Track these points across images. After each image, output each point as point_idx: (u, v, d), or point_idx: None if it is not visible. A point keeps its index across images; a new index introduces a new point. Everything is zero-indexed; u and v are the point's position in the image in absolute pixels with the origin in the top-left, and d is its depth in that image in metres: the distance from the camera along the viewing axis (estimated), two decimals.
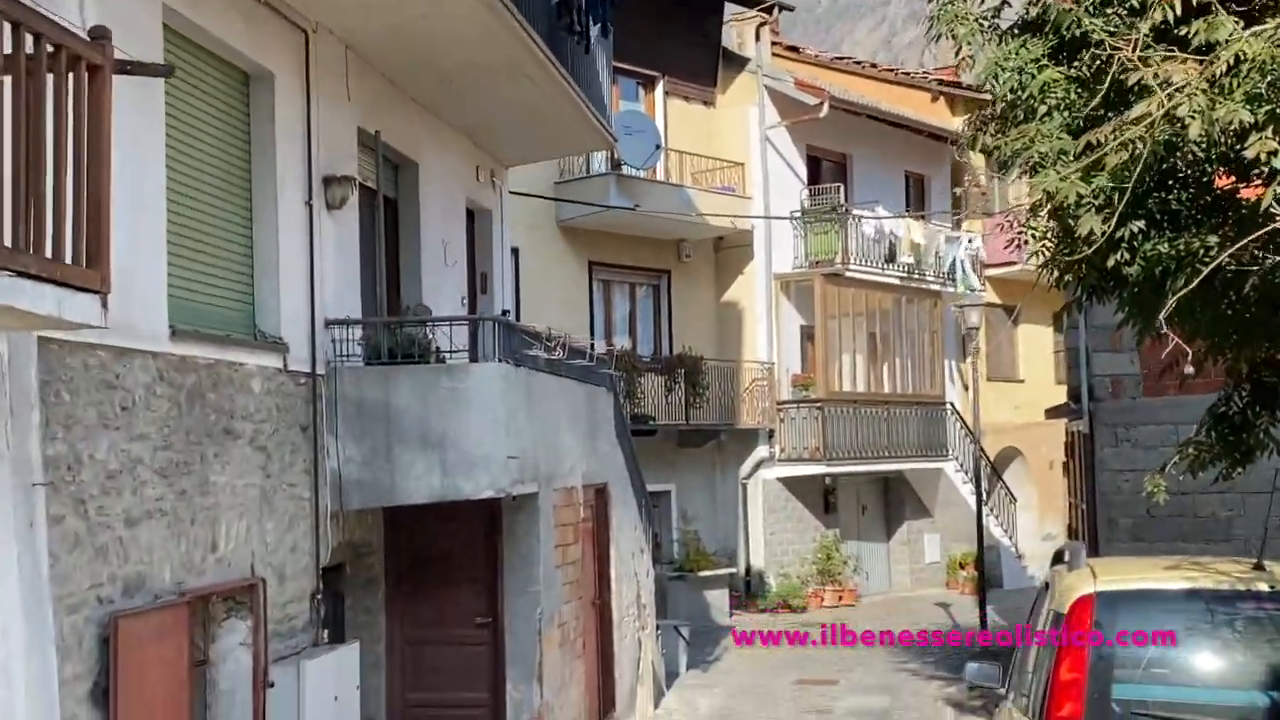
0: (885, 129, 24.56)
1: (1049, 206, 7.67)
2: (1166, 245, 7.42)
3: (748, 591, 21.82)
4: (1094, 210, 7.33)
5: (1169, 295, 7.51)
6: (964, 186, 25.70)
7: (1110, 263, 7.49)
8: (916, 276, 24.00)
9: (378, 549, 9.65)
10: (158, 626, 6.58)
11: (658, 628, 14.57)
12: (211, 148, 7.77)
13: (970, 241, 25.15)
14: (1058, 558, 6.28)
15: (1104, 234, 7.29)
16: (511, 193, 13.96)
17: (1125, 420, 13.44)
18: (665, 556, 21.02)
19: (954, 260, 24.52)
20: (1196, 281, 7.15)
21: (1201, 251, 7.08)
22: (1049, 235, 8.48)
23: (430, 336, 8.87)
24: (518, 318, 13.99)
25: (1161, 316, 7.60)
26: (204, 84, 7.73)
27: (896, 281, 23.70)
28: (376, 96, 9.83)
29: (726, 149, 22.40)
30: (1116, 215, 6.96)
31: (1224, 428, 8.26)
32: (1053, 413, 16.80)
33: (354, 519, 9.09)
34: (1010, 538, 26.45)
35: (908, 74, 28.55)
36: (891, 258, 23.48)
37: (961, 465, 25.07)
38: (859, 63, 28.31)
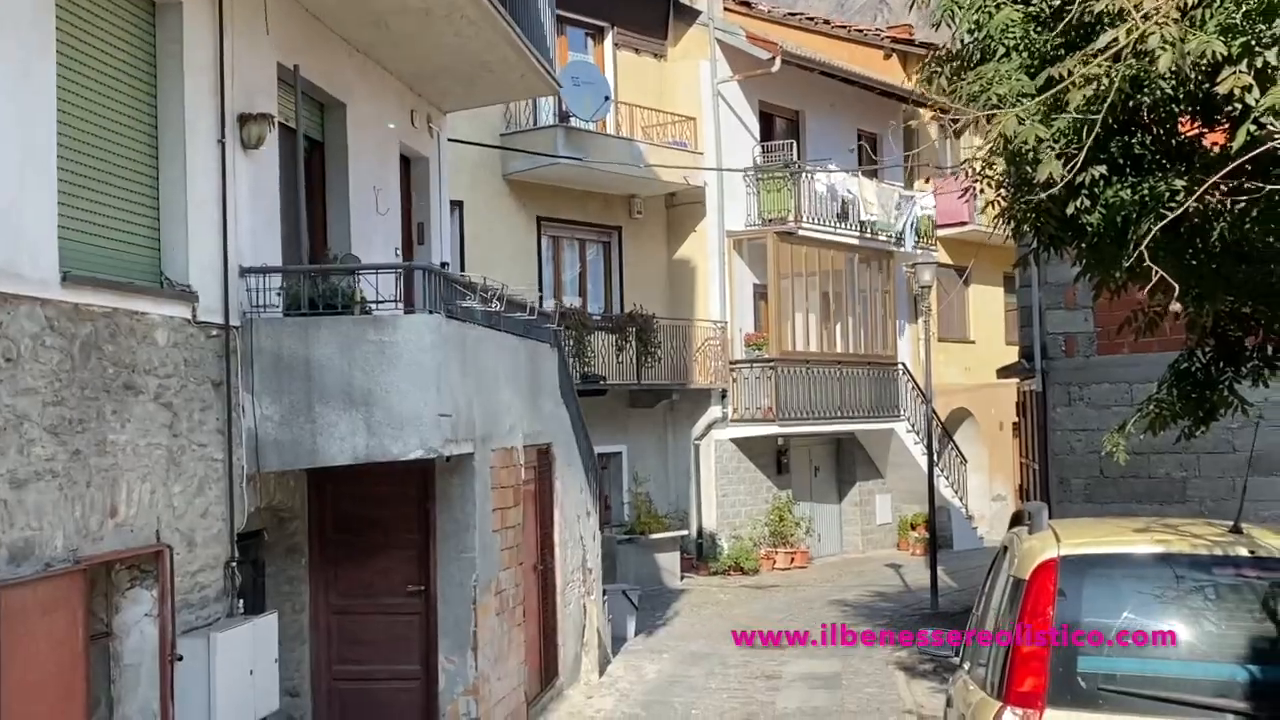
0: (838, 86, 24.11)
1: (1006, 151, 7.25)
2: (1129, 191, 7.04)
3: (699, 554, 21.52)
4: (1054, 154, 6.93)
5: (1130, 245, 7.14)
6: (905, 122, 25.19)
7: (1070, 210, 7.09)
8: (869, 236, 23.64)
9: (300, 514, 9.13)
10: (48, 597, 6.05)
11: (605, 593, 14.18)
12: (112, 80, 7.17)
13: (917, 200, 24.75)
14: (1016, 519, 5.87)
15: (1064, 179, 6.90)
16: (451, 140, 13.37)
17: (1078, 379, 13.14)
18: (615, 519, 20.69)
19: (906, 219, 24.16)
20: (1160, 227, 6.79)
21: (1167, 196, 6.68)
22: (1004, 184, 8.07)
23: (355, 286, 8.33)
24: (462, 273, 13.48)
25: (1125, 265, 7.26)
26: (103, 10, 7.12)
27: (849, 241, 23.33)
28: (299, 31, 9.23)
29: (678, 103, 21.87)
30: (1081, 157, 6.56)
31: (1186, 385, 7.91)
32: (1004, 372, 16.51)
33: (274, 482, 8.57)
34: (960, 499, 26.31)
35: (860, 31, 28.08)
36: (844, 216, 23.10)
37: (913, 426, 24.85)
38: (811, 19, 27.80)
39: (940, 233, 25.91)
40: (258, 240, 8.37)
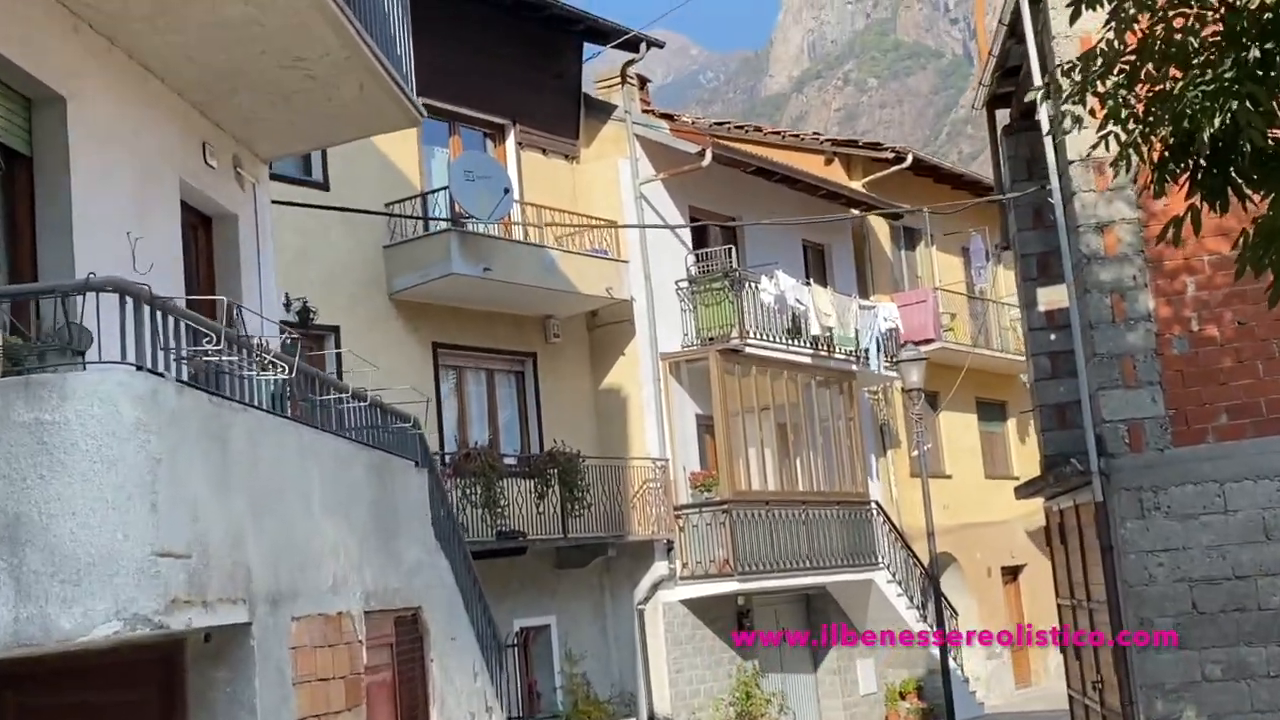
0: (778, 191, 21.20)
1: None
2: None
3: None
4: None
5: None
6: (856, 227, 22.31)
7: None
8: (825, 353, 20.36)
9: None
10: None
11: None
12: None
13: (878, 311, 21.62)
14: None
15: None
16: (279, 202, 9.91)
17: (1152, 481, 9.68)
18: (546, 708, 16.77)
19: (871, 332, 20.96)
20: None
21: None
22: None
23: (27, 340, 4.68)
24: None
25: None
26: None
27: (804, 359, 20.04)
28: None
29: (595, 208, 18.73)
30: None
31: None
32: (1025, 490, 13.03)
33: None
34: (955, 658, 22.43)
35: (797, 136, 25.44)
36: (796, 332, 19.85)
37: (894, 575, 21.23)
38: (740, 126, 25.08)
39: (904, 353, 22.68)
40: None
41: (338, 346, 15.40)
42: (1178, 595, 9.57)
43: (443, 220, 15.62)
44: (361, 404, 6.68)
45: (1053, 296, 12.36)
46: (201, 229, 8.32)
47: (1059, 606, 12.61)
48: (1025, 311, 12.83)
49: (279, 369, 5.44)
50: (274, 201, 9.66)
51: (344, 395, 6.40)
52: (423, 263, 15.87)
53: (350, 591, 6.45)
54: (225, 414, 5.17)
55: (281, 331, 6.80)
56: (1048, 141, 10.45)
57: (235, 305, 7.94)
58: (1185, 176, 4.74)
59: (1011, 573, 26.24)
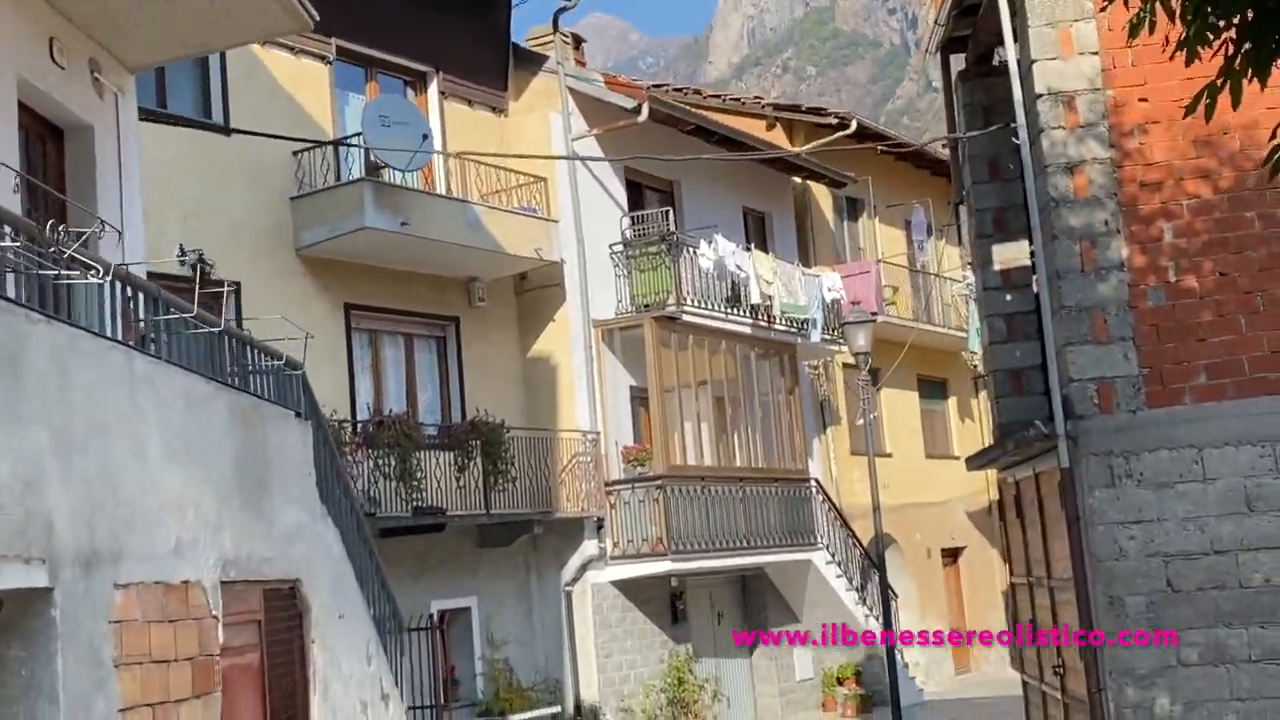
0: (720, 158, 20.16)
1: None
2: None
3: None
4: None
5: None
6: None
7: None
8: (766, 323, 19.45)
9: None
10: None
11: None
12: None
13: (822, 280, 20.75)
14: None
15: None
16: (152, 119, 8.71)
17: (1123, 446, 8.82)
18: (466, 696, 15.76)
19: (816, 302, 20.08)
20: None
21: None
22: None
23: None
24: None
25: None
26: None
27: (744, 329, 19.11)
28: None
29: (524, 164, 17.59)
30: None
31: None
32: (976, 460, 12.15)
33: None
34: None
35: (738, 100, 24.47)
36: (736, 300, 18.92)
37: (833, 555, 20.41)
38: (680, 89, 24.06)
39: (851, 314, 21.83)
40: None
41: (239, 306, 14.19)
42: (1151, 571, 8.72)
43: (353, 143, 14.38)
44: (213, 330, 5.56)
45: (1008, 254, 11.55)
46: (51, 140, 7.13)
47: (1013, 585, 11.76)
48: (979, 270, 11.93)
49: (90, 271, 4.34)
50: (158, 121, 8.49)
51: (187, 316, 5.28)
52: (333, 215, 14.69)
53: (201, 556, 5.35)
54: (17, 324, 4.05)
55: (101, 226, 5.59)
56: (1014, 73, 9.53)
57: (14, 171, 6.51)
58: (1219, 41, 3.79)
59: (951, 555, 25.57)
